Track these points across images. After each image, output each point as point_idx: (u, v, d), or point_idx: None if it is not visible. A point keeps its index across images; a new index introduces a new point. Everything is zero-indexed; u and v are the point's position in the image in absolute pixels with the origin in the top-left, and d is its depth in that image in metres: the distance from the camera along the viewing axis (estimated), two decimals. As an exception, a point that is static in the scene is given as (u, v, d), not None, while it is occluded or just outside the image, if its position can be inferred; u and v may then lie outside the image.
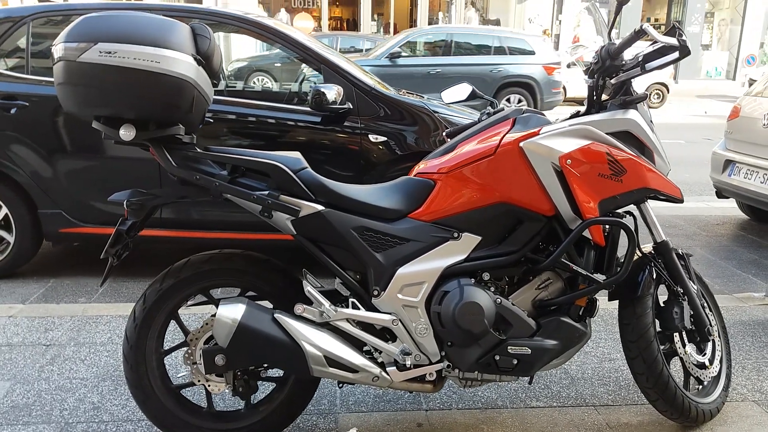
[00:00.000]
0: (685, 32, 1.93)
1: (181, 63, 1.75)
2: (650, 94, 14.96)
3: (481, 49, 11.08)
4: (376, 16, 22.74)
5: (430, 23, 21.00)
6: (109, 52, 1.68)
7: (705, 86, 20.11)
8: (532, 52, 11.03)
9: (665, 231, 5.15)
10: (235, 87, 6.21)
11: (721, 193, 5.21)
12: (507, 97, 10.72)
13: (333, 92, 3.38)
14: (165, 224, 3.64)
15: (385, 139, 3.65)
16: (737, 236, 5.11)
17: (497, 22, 19.69)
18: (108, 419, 2.31)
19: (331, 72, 3.63)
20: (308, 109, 3.51)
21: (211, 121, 3.51)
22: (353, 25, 23.44)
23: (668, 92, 15.19)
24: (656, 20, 22.71)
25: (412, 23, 21.48)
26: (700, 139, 10.30)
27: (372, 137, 3.64)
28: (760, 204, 4.67)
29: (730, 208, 5.80)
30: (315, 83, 3.90)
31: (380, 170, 3.65)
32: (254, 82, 10.64)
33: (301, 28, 17.57)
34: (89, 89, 1.72)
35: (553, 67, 11.01)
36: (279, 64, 10.69)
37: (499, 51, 11.03)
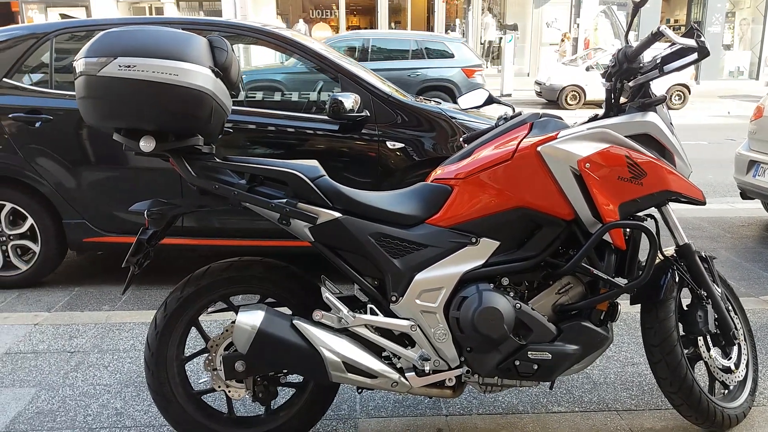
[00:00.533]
0: (704, 33, 1.91)
1: (199, 75, 1.78)
2: (671, 96, 14.79)
3: (400, 54, 11.01)
4: (393, 25, 22.82)
5: (446, 30, 21.03)
6: (129, 66, 1.72)
7: (727, 86, 19.83)
8: (451, 55, 10.94)
9: (689, 233, 5.08)
10: (254, 97, 6.26)
11: (745, 194, 5.13)
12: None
13: (350, 100, 3.40)
14: (186, 232, 3.69)
15: (403, 145, 3.66)
16: (763, 237, 5.02)
17: (515, 27, 19.65)
18: (131, 424, 2.34)
19: (348, 80, 3.66)
20: (326, 117, 3.54)
21: (231, 131, 3.55)
22: (371, 33, 23.52)
23: (690, 93, 14.98)
24: (675, 21, 22.47)
25: (430, 30, 21.51)
26: (723, 139, 10.15)
27: (390, 144, 3.65)
28: (786, 205, 4.59)
29: (755, 209, 5.71)
30: (333, 92, 3.92)
31: (398, 176, 3.66)
32: (274, 92, 10.69)
33: (319, 37, 17.72)
34: (110, 102, 1.75)
35: (473, 69, 10.90)
36: (301, 74, 10.69)
37: (417, 55, 10.95)
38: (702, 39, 1.89)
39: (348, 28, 22.49)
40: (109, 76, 1.72)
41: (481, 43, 20.66)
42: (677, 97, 14.88)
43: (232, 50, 1.94)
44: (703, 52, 1.89)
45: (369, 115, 3.58)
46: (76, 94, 1.78)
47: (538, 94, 15.48)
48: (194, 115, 1.81)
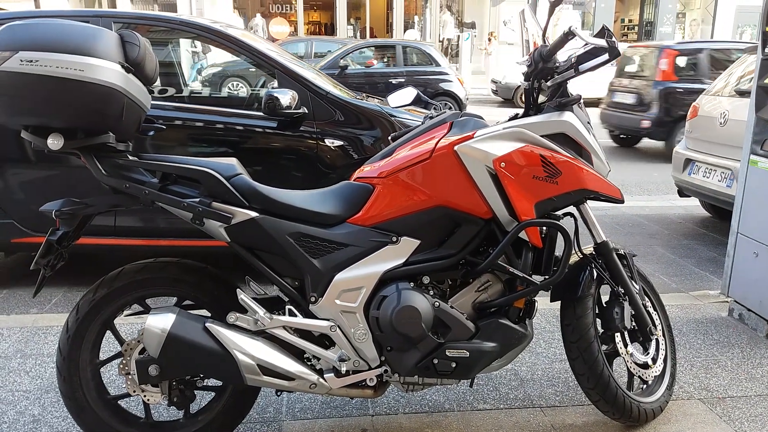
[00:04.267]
0: (614, 33, 1.94)
1: (106, 71, 1.72)
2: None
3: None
4: (353, 21, 22.76)
5: (406, 28, 21.07)
6: (31, 61, 1.66)
7: (678, 86, 20.34)
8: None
9: (628, 230, 5.20)
10: (200, 93, 6.16)
11: (682, 192, 5.27)
12: None
13: (287, 97, 3.37)
14: (119, 233, 3.60)
15: (342, 143, 3.64)
16: (698, 234, 5.17)
17: (472, 25, 19.80)
18: (47, 432, 2.27)
19: (285, 77, 3.62)
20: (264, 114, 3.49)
21: (164, 127, 3.46)
22: (331, 29, 23.42)
23: (641, 92, 15.31)
24: (630, 21, 22.98)
25: (388, 27, 21.52)
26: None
27: (329, 141, 3.62)
28: (719, 202, 4.73)
29: (692, 206, 5.87)
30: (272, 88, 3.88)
31: (339, 174, 3.64)
32: (230, 88, 10.56)
33: (277, 33, 17.55)
34: (12, 99, 1.69)
35: None
36: (254, 70, 10.60)
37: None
38: (612, 39, 1.92)
39: (307, 23, 22.36)
40: (11, 71, 1.65)
41: (440, 41, 20.75)
42: (629, 96, 15.20)
43: (146, 45, 1.89)
44: (614, 52, 1.91)
45: (307, 112, 3.55)
46: None
47: (494, 92, 15.64)
48: (103, 111, 1.75)
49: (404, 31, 20.77)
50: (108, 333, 2.07)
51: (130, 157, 1.91)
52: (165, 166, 1.91)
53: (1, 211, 3.51)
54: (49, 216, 1.91)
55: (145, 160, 1.92)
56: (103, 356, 2.10)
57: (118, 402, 2.11)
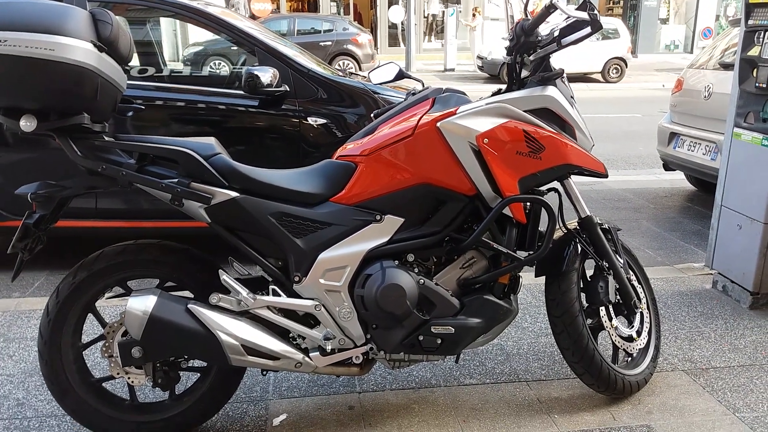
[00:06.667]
0: (596, 6, 1.91)
1: (78, 50, 1.68)
2: (609, 69, 15.10)
3: None
4: (336, -3, 22.46)
5: (390, 4, 20.84)
6: (0, 41, 1.61)
7: (663, 60, 20.38)
8: None
9: (614, 204, 5.22)
10: (181, 72, 6.06)
11: (667, 166, 5.29)
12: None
13: (268, 75, 3.32)
14: (101, 215, 3.55)
15: (325, 121, 3.60)
16: (684, 208, 5.20)
17: (457, 1, 19.59)
18: (32, 415, 2.25)
19: (266, 54, 3.56)
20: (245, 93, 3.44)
21: (143, 107, 3.41)
22: (314, 6, 23.12)
23: (627, 67, 15.33)
24: (616, -5, 22.85)
25: (372, 3, 21.25)
26: (657, 112, 10.43)
27: (311, 120, 3.58)
28: (704, 176, 4.75)
29: (678, 180, 5.90)
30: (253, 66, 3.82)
31: (322, 153, 3.60)
32: (212, 67, 10.43)
33: (259, 10, 17.27)
34: None
35: None
36: (235, 48, 10.48)
37: None
38: (594, 12, 1.89)
39: (289, 0, 22.03)
40: None
41: (425, 17, 20.56)
42: (614, 71, 15.22)
43: (119, 23, 1.84)
44: (596, 25, 1.89)
45: (288, 90, 3.50)
46: None
47: (480, 68, 15.57)
48: (76, 92, 1.72)
49: (389, 7, 20.53)
50: (90, 316, 2.05)
51: (106, 138, 1.88)
52: (142, 146, 1.88)
53: (-20, 194, 3.45)
54: (26, 199, 1.87)
55: (122, 140, 1.88)
56: (85, 339, 2.08)
57: (103, 384, 2.09)
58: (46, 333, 1.97)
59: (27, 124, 1.74)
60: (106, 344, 2.00)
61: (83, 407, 2.02)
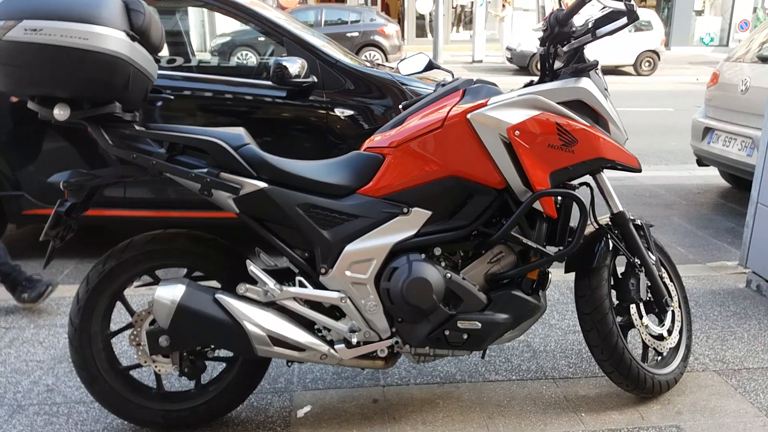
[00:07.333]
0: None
1: (112, 39, 1.69)
2: (641, 62, 14.82)
3: None
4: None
5: (418, -6, 20.67)
6: (35, 30, 1.63)
7: (697, 53, 19.93)
8: None
9: (645, 200, 5.12)
10: (209, 63, 6.10)
11: (701, 161, 5.17)
12: None
13: (296, 66, 3.31)
14: (130, 204, 3.59)
15: (353, 113, 3.58)
16: (717, 204, 5.08)
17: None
18: (61, 401, 2.29)
19: (294, 44, 3.55)
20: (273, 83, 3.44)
21: (172, 97, 3.44)
22: (342, -4, 23.06)
23: (659, 60, 15.04)
24: (649, -13, 22.39)
25: (401, -6, 21.11)
26: (690, 106, 10.20)
27: (339, 111, 3.57)
28: (738, 172, 4.63)
29: (711, 176, 5.76)
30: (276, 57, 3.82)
31: (349, 145, 3.59)
32: (239, 57, 10.51)
33: (286, 1, 17.30)
34: (17, 69, 1.67)
35: None
36: (263, 39, 10.54)
37: None
38: (631, 2, 1.84)
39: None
40: (15, 40, 1.63)
41: (453, 8, 20.39)
42: (647, 64, 14.93)
43: (152, 12, 1.85)
44: (632, 16, 1.84)
45: (316, 81, 3.49)
46: None
47: (509, 60, 15.40)
48: (108, 81, 1.73)
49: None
50: (118, 304, 2.07)
51: (137, 127, 1.88)
52: (172, 136, 1.88)
53: (12, 184, 3.51)
54: (58, 187, 1.89)
55: (152, 130, 1.89)
56: (114, 327, 2.11)
57: (130, 372, 2.11)
58: (76, 320, 1.99)
59: (60, 112, 1.76)
60: (134, 332, 2.01)
61: (111, 394, 2.04)
